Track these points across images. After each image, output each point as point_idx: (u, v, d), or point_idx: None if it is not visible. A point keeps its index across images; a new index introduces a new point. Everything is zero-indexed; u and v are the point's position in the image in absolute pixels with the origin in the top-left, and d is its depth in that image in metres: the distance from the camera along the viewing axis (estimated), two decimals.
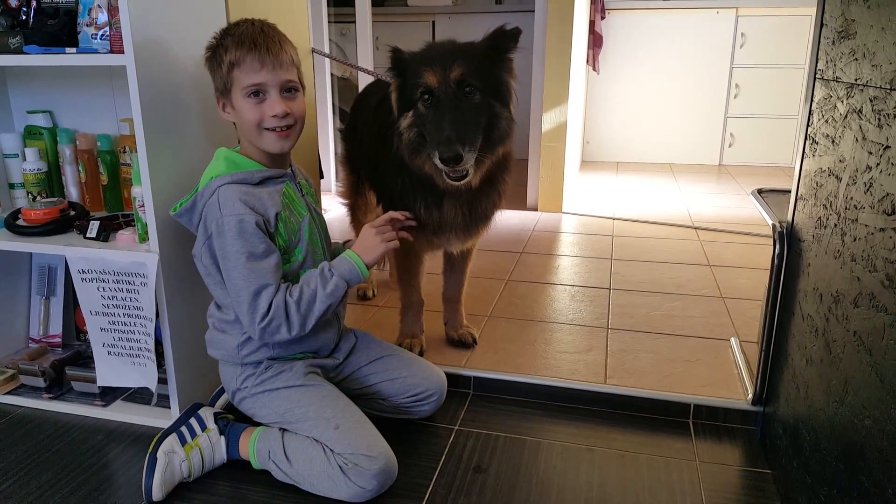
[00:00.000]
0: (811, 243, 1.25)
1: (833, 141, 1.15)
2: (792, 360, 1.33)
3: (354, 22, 3.86)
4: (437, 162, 1.41)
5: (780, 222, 1.43)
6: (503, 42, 1.49)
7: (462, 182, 1.48)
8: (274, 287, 1.32)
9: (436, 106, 1.45)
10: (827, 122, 1.19)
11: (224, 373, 1.49)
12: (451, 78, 1.44)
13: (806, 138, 1.32)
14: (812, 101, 1.29)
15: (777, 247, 1.41)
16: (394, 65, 1.54)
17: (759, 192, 1.73)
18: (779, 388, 1.42)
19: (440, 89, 1.44)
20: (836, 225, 1.11)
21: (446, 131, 1.40)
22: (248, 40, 1.33)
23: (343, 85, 4.17)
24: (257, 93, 1.34)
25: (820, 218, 1.20)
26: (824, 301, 1.15)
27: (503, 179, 1.69)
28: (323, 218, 1.53)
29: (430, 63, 1.46)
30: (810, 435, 1.18)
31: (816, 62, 1.27)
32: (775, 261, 1.42)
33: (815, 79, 1.28)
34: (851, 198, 1.05)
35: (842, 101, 1.12)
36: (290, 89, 1.37)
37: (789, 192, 1.44)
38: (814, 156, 1.26)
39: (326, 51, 3.51)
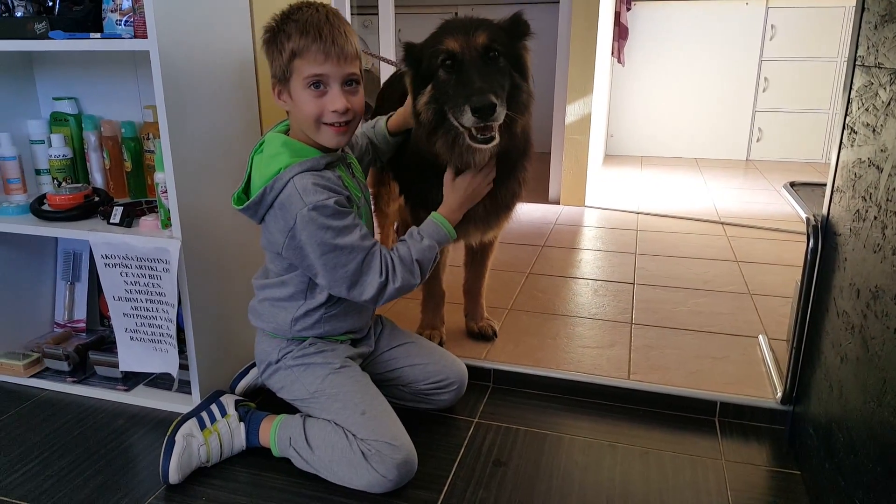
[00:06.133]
0: (848, 237, 1.21)
1: (874, 130, 1.11)
2: (825, 357, 1.29)
3: (377, 14, 3.84)
4: (467, 118, 1.33)
5: (814, 216, 1.38)
6: (519, 27, 1.47)
7: (489, 146, 1.41)
8: (367, 252, 1.32)
9: (460, 69, 1.39)
10: (867, 110, 1.15)
11: (263, 344, 1.48)
12: (476, 42, 1.39)
13: (844, 128, 1.27)
14: (851, 88, 1.24)
15: (811, 241, 1.37)
16: (407, 56, 1.49)
17: (792, 185, 1.68)
18: (810, 386, 1.38)
19: (464, 53, 1.39)
20: (875, 217, 1.07)
21: (477, 83, 1.33)
22: (314, 29, 1.26)
23: (366, 76, 4.15)
24: (318, 84, 1.28)
25: (858, 210, 1.16)
26: (862, 297, 1.11)
27: (524, 167, 1.65)
28: (368, 192, 1.52)
29: (451, 32, 1.42)
30: (844, 436, 1.14)
31: (857, 48, 1.22)
32: (809, 255, 1.38)
33: (854, 66, 1.23)
34: (894, 189, 1.00)
35: (884, 89, 1.07)
36: (352, 82, 1.32)
37: (823, 185, 1.39)
38: (852, 146, 1.22)
39: None
